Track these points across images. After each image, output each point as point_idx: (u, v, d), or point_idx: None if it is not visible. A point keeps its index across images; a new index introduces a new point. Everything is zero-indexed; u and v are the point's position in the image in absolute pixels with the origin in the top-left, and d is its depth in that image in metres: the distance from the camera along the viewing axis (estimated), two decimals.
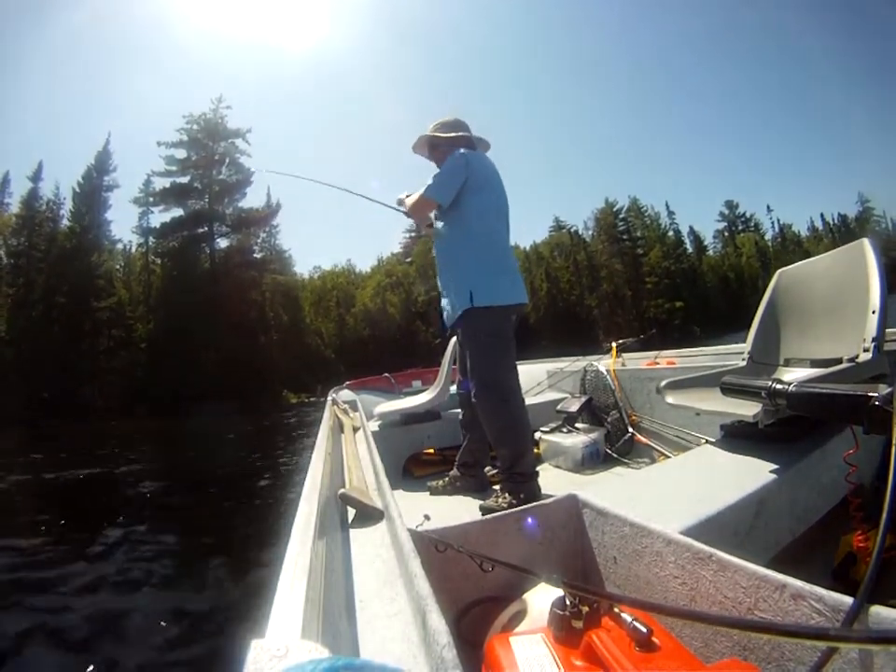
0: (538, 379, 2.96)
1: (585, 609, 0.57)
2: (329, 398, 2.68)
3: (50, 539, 3.60)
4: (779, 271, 1.85)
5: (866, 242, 1.48)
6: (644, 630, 0.52)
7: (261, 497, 4.43)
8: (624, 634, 0.53)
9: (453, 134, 1.81)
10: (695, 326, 36.08)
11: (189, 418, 15.12)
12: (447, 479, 1.90)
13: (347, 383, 3.40)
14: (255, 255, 30.20)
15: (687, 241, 47.36)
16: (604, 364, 2.50)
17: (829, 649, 0.47)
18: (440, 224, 1.81)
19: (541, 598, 0.69)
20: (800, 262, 1.82)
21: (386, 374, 3.42)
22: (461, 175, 1.68)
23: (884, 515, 0.50)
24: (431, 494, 1.88)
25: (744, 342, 1.80)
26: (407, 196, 1.89)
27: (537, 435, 2.14)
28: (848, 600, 0.49)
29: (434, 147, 1.86)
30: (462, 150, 1.73)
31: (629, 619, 0.54)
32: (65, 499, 5.13)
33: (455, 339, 2.31)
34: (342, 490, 0.97)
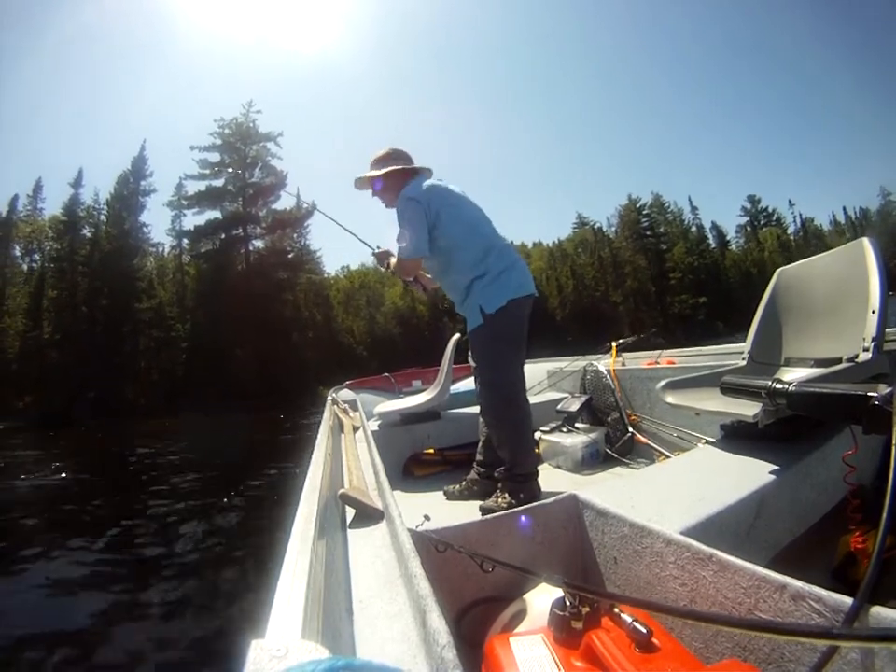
0: (538, 379, 2.96)
1: (585, 609, 0.57)
2: (329, 397, 2.68)
3: (50, 539, 3.60)
4: (779, 270, 1.85)
5: (866, 241, 1.48)
6: (644, 631, 0.52)
7: (273, 494, 4.43)
8: (624, 634, 0.53)
9: (391, 168, 1.77)
10: (719, 321, 36.00)
11: (228, 415, 15.20)
12: (464, 483, 1.83)
13: (347, 382, 3.40)
14: (288, 255, 30.78)
15: (710, 236, 47.50)
16: (604, 364, 2.50)
17: (829, 649, 0.47)
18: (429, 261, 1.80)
19: (541, 599, 0.70)
20: (800, 261, 1.82)
21: (386, 374, 3.42)
22: (421, 217, 1.64)
23: (884, 515, 0.50)
24: (448, 499, 1.82)
25: None
26: (379, 249, 1.93)
27: (536, 435, 2.14)
28: (848, 601, 0.49)
29: (373, 185, 1.82)
30: (405, 191, 1.68)
31: (629, 619, 0.54)
32: (75, 498, 5.16)
33: (454, 338, 2.31)
34: (341, 490, 0.97)
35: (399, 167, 1.79)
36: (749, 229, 51.66)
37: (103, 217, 27.81)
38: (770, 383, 0.96)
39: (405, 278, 1.90)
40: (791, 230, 52.68)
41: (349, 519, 0.93)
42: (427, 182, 1.75)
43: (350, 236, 2.22)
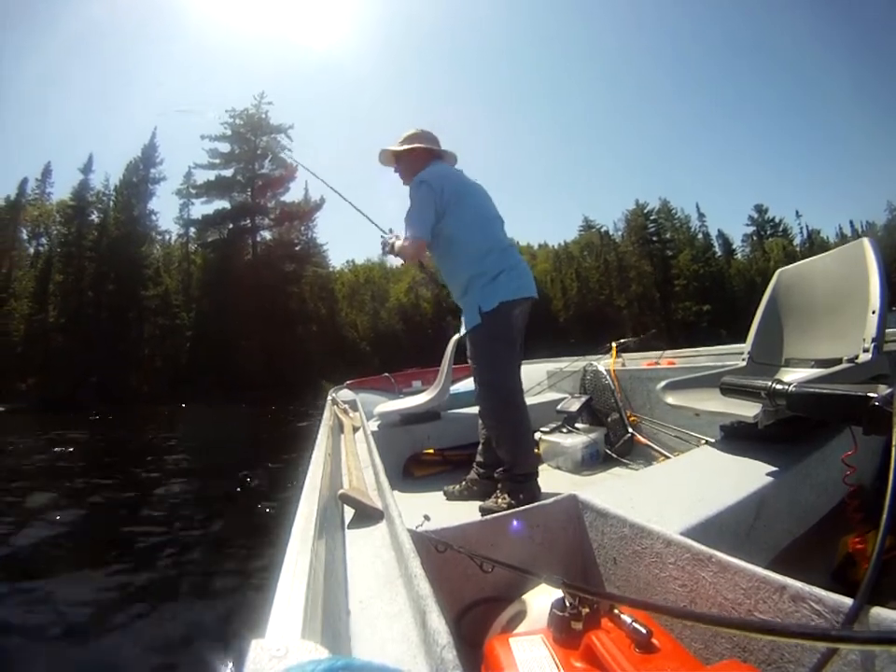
0: (538, 379, 2.96)
1: (585, 610, 0.57)
2: (329, 397, 2.68)
3: (52, 534, 3.60)
4: (779, 270, 1.85)
5: (866, 242, 1.48)
6: (644, 631, 0.52)
7: (274, 490, 4.42)
8: (624, 635, 0.53)
9: (416, 145, 1.80)
10: (722, 329, 36.05)
11: (231, 406, 15.23)
12: (464, 483, 1.83)
13: (347, 382, 3.40)
14: (296, 248, 31.02)
15: (716, 244, 47.24)
16: (603, 364, 2.50)
17: (829, 650, 0.47)
18: (432, 248, 1.81)
19: (541, 599, 0.70)
20: (800, 262, 1.82)
21: (386, 374, 3.42)
22: (430, 203, 1.65)
23: (884, 516, 0.50)
24: (448, 499, 1.82)
25: None
26: (391, 233, 1.91)
27: (536, 435, 2.14)
28: (848, 601, 0.49)
29: (398, 159, 1.86)
30: (421, 174, 1.70)
31: (629, 620, 0.54)
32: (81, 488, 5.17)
33: (455, 338, 2.31)
34: (341, 490, 0.97)
35: (422, 146, 1.81)
36: (755, 238, 51.25)
37: (111, 203, 28.05)
38: (770, 383, 0.96)
39: (407, 261, 1.87)
40: (797, 241, 52.24)
41: (349, 519, 0.93)
42: (446, 169, 1.77)
43: (359, 224, 2.28)
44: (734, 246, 49.71)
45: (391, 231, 2.00)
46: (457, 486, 1.83)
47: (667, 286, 40.48)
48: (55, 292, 25.09)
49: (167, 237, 31.47)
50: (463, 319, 1.76)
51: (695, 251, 43.04)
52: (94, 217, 27.58)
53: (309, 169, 2.67)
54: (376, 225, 2.13)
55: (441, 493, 1.86)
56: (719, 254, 46.89)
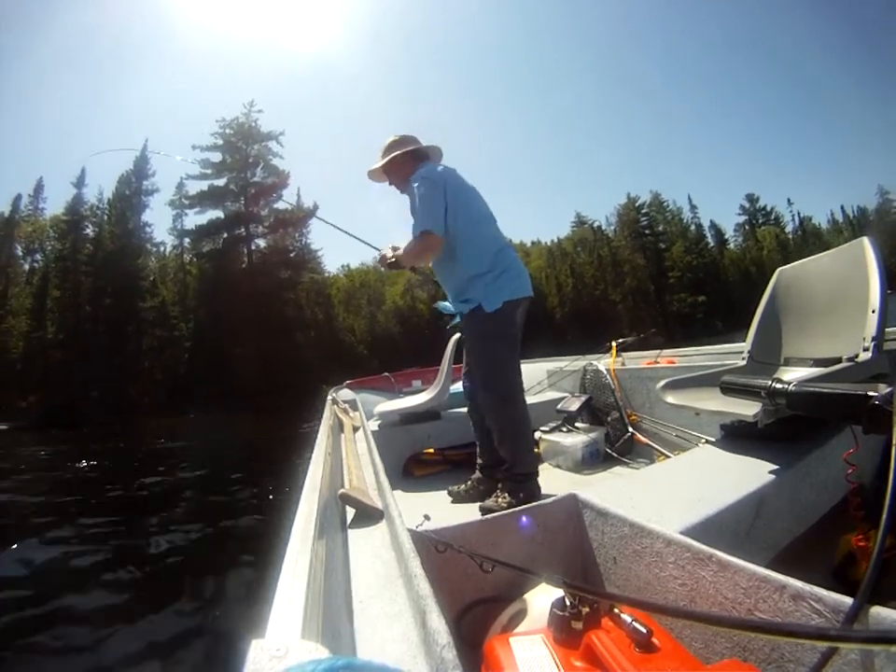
0: (538, 379, 2.96)
1: (585, 609, 0.57)
2: (329, 397, 2.68)
3: (59, 535, 3.61)
4: (779, 269, 1.85)
5: (866, 241, 1.48)
6: (644, 631, 0.52)
7: (271, 494, 4.43)
8: (624, 635, 0.53)
9: (397, 153, 1.77)
10: (717, 320, 36.06)
11: (231, 413, 15.35)
12: (469, 483, 1.82)
13: (347, 382, 3.40)
14: (290, 254, 31.16)
15: (708, 235, 47.65)
16: (603, 363, 2.50)
17: (829, 649, 0.47)
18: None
19: (541, 599, 0.69)
20: (800, 261, 1.82)
21: (386, 374, 3.43)
22: (437, 195, 1.62)
23: (884, 515, 0.50)
24: (453, 501, 1.80)
25: None
26: (393, 249, 1.85)
27: (536, 435, 2.14)
28: (848, 601, 0.49)
29: (387, 172, 1.84)
30: (419, 172, 1.68)
31: (629, 620, 0.54)
32: (83, 493, 5.19)
33: (454, 338, 2.32)
34: (341, 490, 0.97)
35: (405, 150, 1.79)
36: (747, 227, 51.74)
37: (105, 217, 28.08)
38: (770, 382, 0.96)
39: (422, 261, 1.79)
40: (789, 228, 52.96)
41: (349, 519, 0.93)
42: (444, 167, 1.76)
43: (353, 228, 2.28)
44: (726, 236, 50.54)
45: (389, 247, 1.99)
46: (462, 486, 1.82)
47: (662, 278, 40.74)
48: (52, 308, 25.13)
49: (162, 249, 31.66)
50: (462, 318, 1.75)
51: (688, 242, 43.39)
52: (89, 230, 27.72)
53: (319, 216, 2.71)
54: (374, 247, 2.11)
55: (441, 492, 1.85)
56: (711, 244, 47.39)
